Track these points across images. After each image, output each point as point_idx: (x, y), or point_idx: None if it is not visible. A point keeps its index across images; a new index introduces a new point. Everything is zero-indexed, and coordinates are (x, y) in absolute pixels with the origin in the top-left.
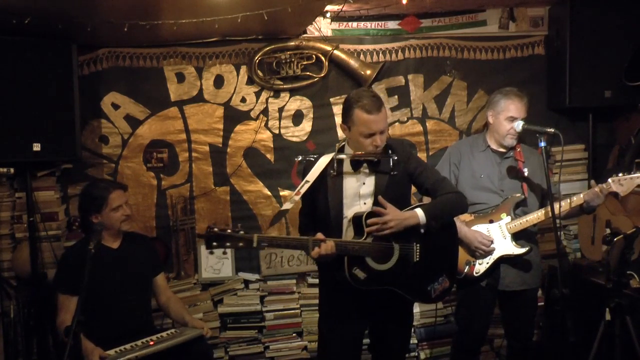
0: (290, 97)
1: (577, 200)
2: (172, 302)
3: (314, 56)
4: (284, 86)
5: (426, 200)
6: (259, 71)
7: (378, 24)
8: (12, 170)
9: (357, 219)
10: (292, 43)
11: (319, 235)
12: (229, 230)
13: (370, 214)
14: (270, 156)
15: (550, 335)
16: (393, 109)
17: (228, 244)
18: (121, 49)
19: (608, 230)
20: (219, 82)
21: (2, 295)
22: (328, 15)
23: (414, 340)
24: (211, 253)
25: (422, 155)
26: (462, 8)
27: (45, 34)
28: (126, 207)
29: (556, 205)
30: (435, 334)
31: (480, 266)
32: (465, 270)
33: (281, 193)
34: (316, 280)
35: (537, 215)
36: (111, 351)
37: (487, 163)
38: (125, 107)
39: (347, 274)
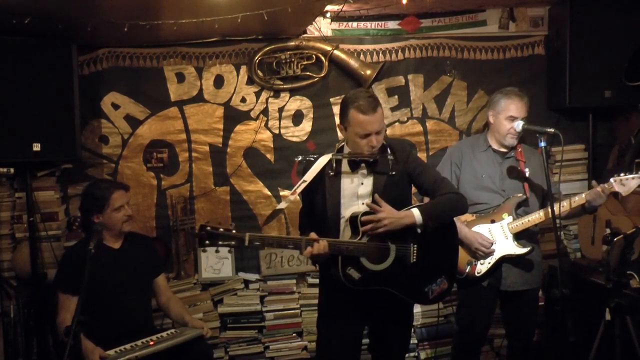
0: (290, 97)
1: (579, 200)
2: (172, 302)
3: (314, 56)
4: (284, 86)
5: (427, 200)
6: (259, 71)
7: (378, 24)
8: (12, 170)
9: (353, 219)
10: (292, 43)
11: (312, 235)
12: (221, 229)
13: (367, 214)
14: (270, 156)
15: (550, 335)
16: (393, 109)
17: (220, 242)
18: (121, 49)
19: (608, 230)
20: (219, 82)
21: (2, 295)
22: (328, 15)
23: (414, 340)
24: (204, 251)
25: (422, 155)
26: (462, 8)
27: (45, 34)
28: (128, 208)
29: (558, 205)
30: (436, 334)
31: (482, 266)
32: (467, 270)
33: (281, 193)
34: (316, 280)
35: (538, 215)
36: (111, 351)
37: (488, 163)
38: (125, 107)
39: (341, 274)
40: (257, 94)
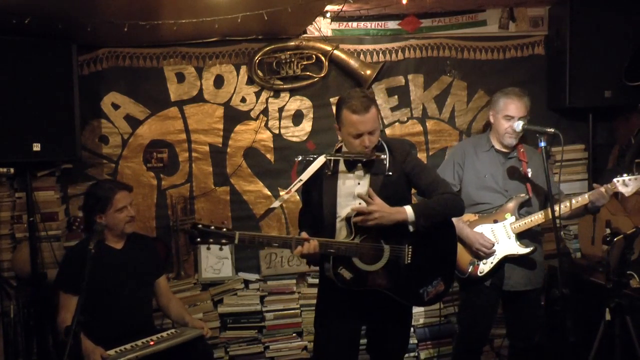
0: (290, 97)
1: (582, 200)
2: (172, 303)
3: (314, 56)
4: (284, 86)
5: None
6: (259, 71)
7: (378, 24)
8: (12, 170)
9: (349, 219)
10: (292, 43)
11: (303, 234)
12: (212, 227)
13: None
14: (270, 156)
15: (550, 335)
16: (393, 109)
17: (211, 240)
18: (121, 49)
19: (608, 230)
20: (219, 82)
21: (2, 295)
22: (328, 15)
23: (414, 340)
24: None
25: (422, 156)
26: (462, 8)
27: (45, 34)
28: (130, 209)
29: (561, 205)
30: (436, 333)
31: (485, 266)
32: (470, 270)
33: (281, 193)
34: (316, 280)
35: (541, 215)
36: (111, 351)
37: (491, 163)
38: (125, 107)
39: (332, 274)
40: (257, 94)
